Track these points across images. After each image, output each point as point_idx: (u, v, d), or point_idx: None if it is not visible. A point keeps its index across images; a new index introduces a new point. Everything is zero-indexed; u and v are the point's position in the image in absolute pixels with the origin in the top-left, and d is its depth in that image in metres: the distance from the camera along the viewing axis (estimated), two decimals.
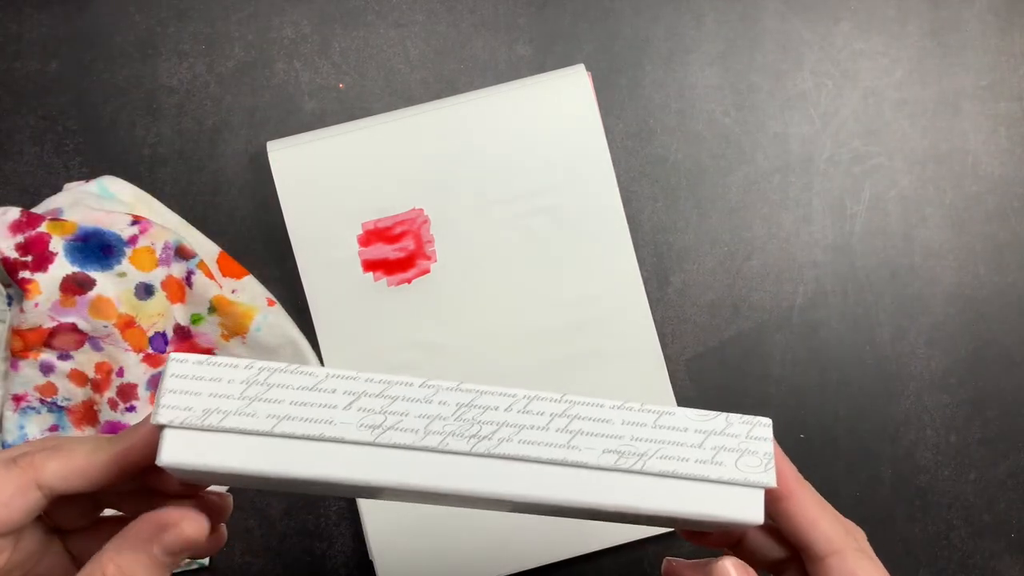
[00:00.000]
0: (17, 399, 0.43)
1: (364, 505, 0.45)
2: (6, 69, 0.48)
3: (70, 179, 0.47)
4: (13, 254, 0.41)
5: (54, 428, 0.44)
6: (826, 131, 0.48)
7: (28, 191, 0.47)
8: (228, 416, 0.27)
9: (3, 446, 0.43)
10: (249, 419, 0.27)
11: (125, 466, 0.29)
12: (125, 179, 0.47)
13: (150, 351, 0.44)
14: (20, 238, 0.42)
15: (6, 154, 0.48)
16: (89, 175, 0.47)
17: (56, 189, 0.47)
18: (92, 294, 0.42)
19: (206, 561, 0.45)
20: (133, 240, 0.43)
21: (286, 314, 0.46)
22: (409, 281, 0.46)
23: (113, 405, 0.44)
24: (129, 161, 0.48)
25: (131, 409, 0.44)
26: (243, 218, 0.48)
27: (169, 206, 0.47)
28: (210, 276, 0.44)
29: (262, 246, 0.47)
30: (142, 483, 0.31)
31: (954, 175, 0.48)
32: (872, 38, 0.49)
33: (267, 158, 0.46)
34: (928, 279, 0.48)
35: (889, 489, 0.47)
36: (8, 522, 0.28)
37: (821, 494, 0.47)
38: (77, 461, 0.29)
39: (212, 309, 0.44)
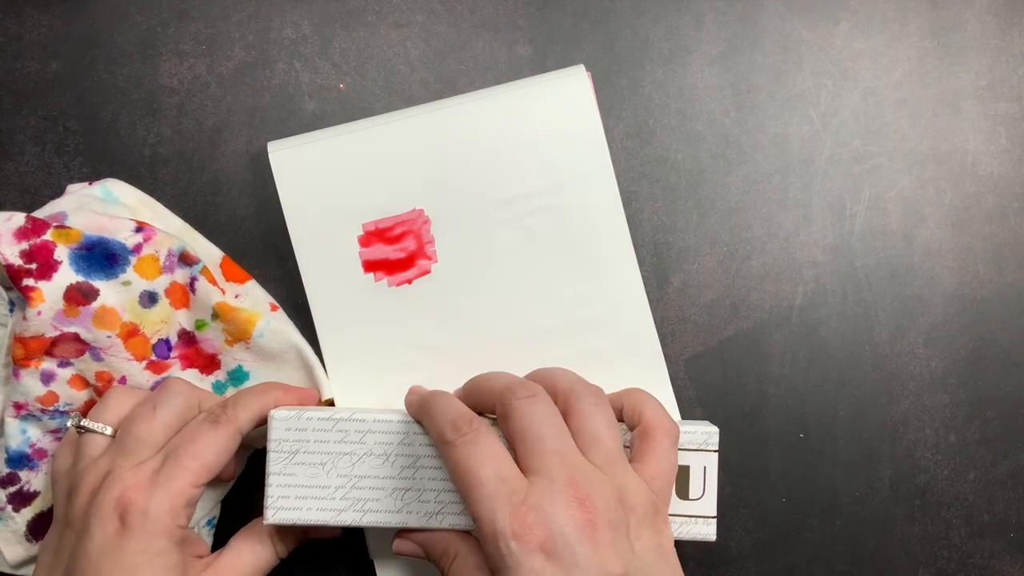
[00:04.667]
0: (18, 407, 0.43)
1: None
2: (6, 69, 0.48)
3: (71, 180, 0.47)
4: (17, 261, 0.41)
5: (56, 431, 0.44)
6: (826, 131, 0.48)
7: (29, 191, 0.47)
8: (324, 512, 0.41)
9: (6, 451, 0.43)
10: (340, 514, 0.41)
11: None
12: (125, 179, 0.47)
13: (153, 358, 0.44)
14: (25, 245, 0.42)
15: (6, 154, 0.48)
16: (90, 175, 0.47)
17: (57, 189, 0.47)
18: (96, 304, 0.42)
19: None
20: (137, 248, 0.43)
21: (288, 319, 0.46)
22: (409, 282, 0.46)
23: None
24: (129, 161, 0.48)
25: None
26: (243, 218, 0.48)
27: (169, 207, 0.47)
28: (213, 282, 0.44)
29: (263, 246, 0.47)
30: None
31: (954, 175, 0.48)
32: (872, 38, 0.49)
33: (267, 158, 0.46)
34: (928, 279, 0.48)
35: (889, 489, 0.47)
36: (228, 465, 0.42)
37: (820, 494, 0.47)
38: (254, 409, 0.41)
39: (215, 315, 0.44)
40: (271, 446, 0.41)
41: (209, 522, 0.45)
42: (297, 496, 0.41)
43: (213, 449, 0.39)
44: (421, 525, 0.41)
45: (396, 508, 0.41)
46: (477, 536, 0.39)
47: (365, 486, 0.41)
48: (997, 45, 0.49)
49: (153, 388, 0.44)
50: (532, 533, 0.33)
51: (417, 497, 0.41)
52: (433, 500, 0.41)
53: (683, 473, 0.42)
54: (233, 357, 0.45)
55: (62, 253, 0.42)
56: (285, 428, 0.41)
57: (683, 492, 0.42)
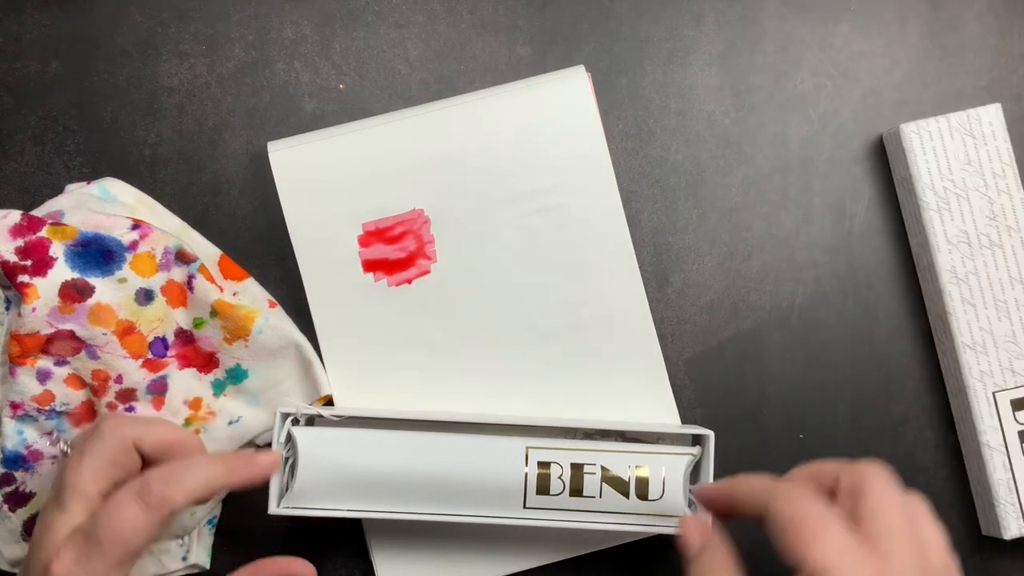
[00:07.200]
0: (15, 406, 0.43)
1: None
2: (7, 69, 0.48)
3: (70, 179, 0.47)
4: (13, 258, 0.41)
5: (51, 434, 0.44)
6: (826, 131, 0.48)
7: (28, 191, 0.47)
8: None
9: (2, 451, 0.43)
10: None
11: (234, 487, 0.40)
12: (126, 180, 0.47)
13: (150, 356, 0.44)
14: (20, 242, 0.42)
15: (6, 154, 0.48)
16: (90, 175, 0.47)
17: (56, 189, 0.47)
18: (91, 301, 0.42)
19: (207, 564, 0.45)
20: (133, 245, 0.43)
21: (287, 316, 0.46)
22: (409, 281, 0.46)
23: (112, 408, 0.44)
24: (129, 161, 0.48)
25: (130, 410, 0.44)
26: (243, 218, 0.48)
27: (169, 206, 0.47)
28: (211, 280, 0.44)
29: (263, 246, 0.47)
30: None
31: None
32: (872, 39, 0.49)
33: (267, 158, 0.46)
34: None
35: None
36: (148, 545, 0.37)
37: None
38: (198, 489, 0.37)
39: (214, 313, 0.44)
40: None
41: (210, 522, 0.45)
42: None
43: (134, 530, 0.36)
44: None
45: None
46: None
47: None
48: (997, 45, 0.49)
49: (150, 386, 0.44)
50: None
51: None
52: None
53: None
54: (232, 355, 0.45)
55: (57, 250, 0.42)
56: None
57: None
